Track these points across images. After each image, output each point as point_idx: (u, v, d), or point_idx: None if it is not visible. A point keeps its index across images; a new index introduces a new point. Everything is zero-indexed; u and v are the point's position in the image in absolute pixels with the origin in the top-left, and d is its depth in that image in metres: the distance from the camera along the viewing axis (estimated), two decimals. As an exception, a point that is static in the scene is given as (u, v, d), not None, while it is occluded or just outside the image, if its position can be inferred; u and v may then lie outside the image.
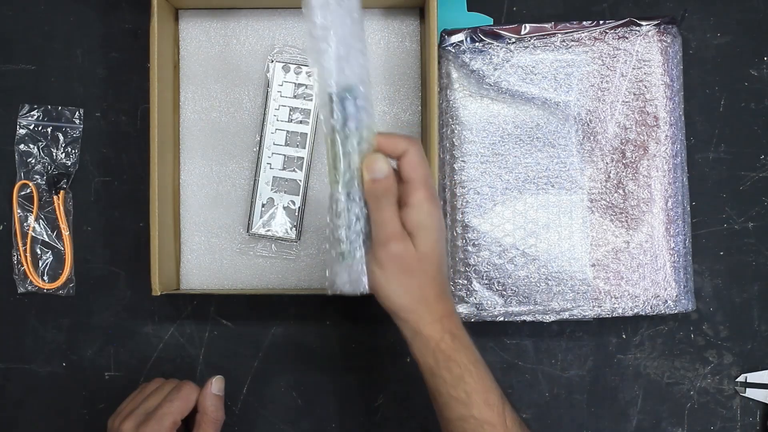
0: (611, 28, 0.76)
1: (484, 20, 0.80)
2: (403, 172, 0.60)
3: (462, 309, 0.76)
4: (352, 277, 0.62)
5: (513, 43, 0.76)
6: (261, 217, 0.78)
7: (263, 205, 0.78)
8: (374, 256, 0.60)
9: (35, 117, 0.81)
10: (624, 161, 0.77)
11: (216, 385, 0.71)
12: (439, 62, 0.76)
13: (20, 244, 0.80)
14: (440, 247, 0.62)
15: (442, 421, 0.64)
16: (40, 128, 0.80)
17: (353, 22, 0.59)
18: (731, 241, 0.80)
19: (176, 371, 0.79)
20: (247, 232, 0.78)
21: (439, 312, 0.62)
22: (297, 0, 0.77)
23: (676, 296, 0.76)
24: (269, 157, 0.78)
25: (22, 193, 0.80)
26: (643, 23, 0.76)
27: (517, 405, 0.80)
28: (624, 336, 0.80)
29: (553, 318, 0.76)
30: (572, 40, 0.76)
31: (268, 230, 0.78)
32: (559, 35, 0.76)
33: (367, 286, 0.61)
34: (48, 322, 0.80)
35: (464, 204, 0.76)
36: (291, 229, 0.78)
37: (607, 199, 0.77)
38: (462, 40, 0.76)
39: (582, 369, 0.80)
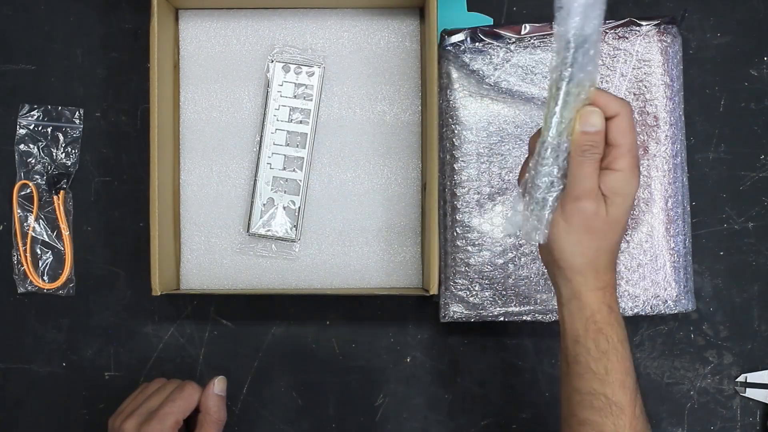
0: (611, 28, 0.76)
1: (484, 20, 0.80)
2: (611, 135, 0.59)
3: (462, 309, 0.76)
4: (532, 226, 0.61)
5: (513, 43, 0.76)
6: (261, 217, 0.78)
7: (263, 205, 0.78)
8: (563, 208, 0.60)
9: (35, 117, 0.81)
10: (624, 161, 0.76)
11: (218, 385, 0.71)
12: (439, 62, 0.76)
13: (20, 244, 0.80)
14: (625, 217, 0.61)
15: (568, 388, 0.63)
16: (40, 128, 0.80)
17: None
18: (731, 241, 0.80)
19: (176, 371, 0.79)
20: (247, 232, 0.78)
21: (605, 281, 0.61)
22: (297, 0, 0.77)
23: (676, 296, 0.76)
24: (269, 157, 0.78)
25: (22, 193, 0.80)
26: (643, 23, 0.76)
27: (517, 405, 0.80)
28: (624, 336, 0.80)
29: (552, 318, 0.76)
30: (572, 40, 0.76)
31: (268, 230, 0.78)
32: (559, 35, 0.76)
33: (543, 239, 0.61)
34: (48, 322, 0.80)
35: (464, 204, 0.76)
36: (291, 229, 0.78)
37: (607, 199, 0.77)
38: (462, 40, 0.76)
39: (582, 369, 0.80)
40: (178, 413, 0.68)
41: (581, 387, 0.62)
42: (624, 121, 0.59)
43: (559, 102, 0.58)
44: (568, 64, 0.57)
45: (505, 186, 0.77)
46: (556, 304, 0.76)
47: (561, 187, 0.60)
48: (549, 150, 0.59)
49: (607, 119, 0.59)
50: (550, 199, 0.60)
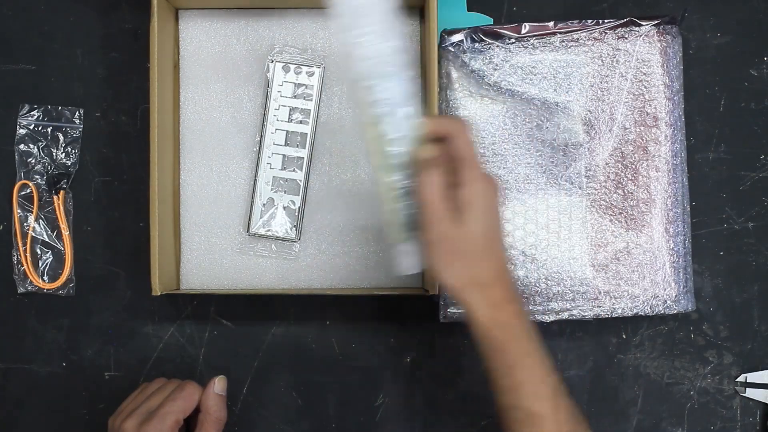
0: (611, 28, 0.76)
1: (484, 20, 0.80)
2: (452, 152, 0.60)
3: (462, 309, 0.76)
4: (405, 259, 0.64)
5: (513, 43, 0.76)
6: (261, 217, 0.78)
7: (263, 205, 0.78)
8: (423, 237, 0.60)
9: (35, 117, 0.81)
10: (624, 161, 0.77)
11: (219, 384, 0.71)
12: (439, 62, 0.76)
13: (20, 244, 0.80)
14: (491, 227, 0.61)
15: (496, 405, 0.63)
16: (40, 128, 0.80)
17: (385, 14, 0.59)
18: (731, 241, 0.80)
19: (176, 371, 0.79)
20: (247, 232, 0.78)
21: (493, 297, 0.61)
22: (297, 0, 0.77)
23: (676, 296, 0.76)
24: (269, 157, 0.78)
25: (22, 193, 0.80)
26: (643, 23, 0.76)
27: (517, 405, 0.80)
28: (624, 336, 0.80)
29: (552, 318, 0.76)
30: (572, 41, 0.76)
31: (268, 230, 0.78)
32: (559, 35, 0.76)
33: (417, 268, 0.63)
34: (48, 322, 0.80)
35: (464, 204, 0.76)
36: (291, 229, 0.78)
37: (607, 200, 0.77)
38: (462, 40, 0.76)
39: (582, 369, 0.80)
40: (178, 412, 0.68)
41: (502, 403, 0.62)
42: (459, 139, 0.61)
43: (386, 140, 0.61)
44: (382, 103, 0.60)
45: (504, 186, 0.77)
46: (555, 303, 0.76)
47: (415, 214, 0.62)
48: (386, 187, 0.62)
49: (446, 139, 0.60)
50: (408, 228, 0.63)
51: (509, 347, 0.61)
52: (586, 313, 0.76)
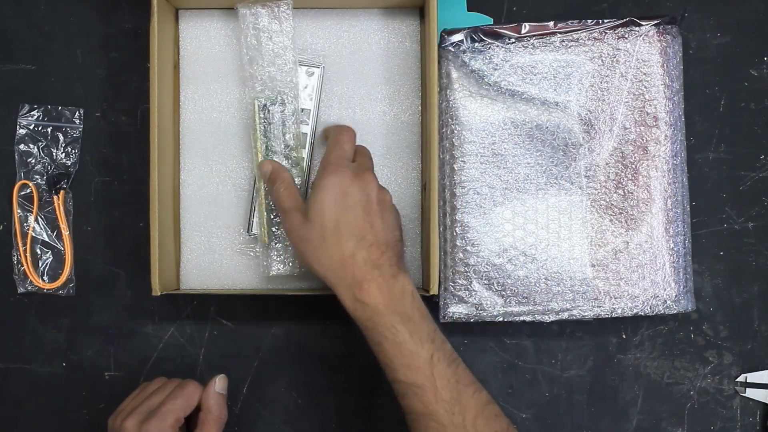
0: (611, 28, 0.76)
1: (484, 20, 0.80)
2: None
3: (462, 309, 0.76)
4: (275, 262, 0.76)
5: (513, 43, 0.76)
6: None
7: None
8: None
9: (35, 117, 0.81)
10: (624, 161, 0.77)
11: (219, 383, 0.72)
12: (439, 62, 0.76)
13: (20, 244, 0.80)
14: (331, 210, 0.67)
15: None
16: (40, 128, 0.80)
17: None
18: (731, 241, 0.80)
19: (176, 371, 0.79)
20: (248, 232, 0.78)
21: (347, 279, 0.66)
22: (297, 0, 0.77)
23: (676, 296, 0.76)
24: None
25: (22, 193, 0.80)
26: (643, 23, 0.76)
27: (517, 405, 0.80)
28: (624, 336, 0.80)
29: (552, 318, 0.76)
30: (572, 40, 0.76)
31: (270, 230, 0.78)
32: (559, 35, 0.76)
33: (288, 271, 0.76)
34: (48, 322, 0.80)
35: (464, 204, 0.76)
36: None
37: (607, 200, 0.77)
38: (462, 40, 0.76)
39: (582, 369, 0.80)
40: (179, 411, 0.68)
41: (388, 379, 0.66)
42: (330, 138, 0.73)
43: (261, 155, 0.76)
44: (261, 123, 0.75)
45: (504, 186, 0.77)
46: (555, 303, 0.76)
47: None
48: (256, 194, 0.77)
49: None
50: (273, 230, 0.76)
51: (372, 325, 0.65)
52: (586, 313, 0.76)
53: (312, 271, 0.69)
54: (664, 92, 0.76)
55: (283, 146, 0.76)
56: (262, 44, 0.75)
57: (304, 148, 0.78)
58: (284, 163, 0.76)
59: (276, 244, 0.76)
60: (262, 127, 0.75)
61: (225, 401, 0.72)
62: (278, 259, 0.76)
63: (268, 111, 0.75)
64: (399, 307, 0.65)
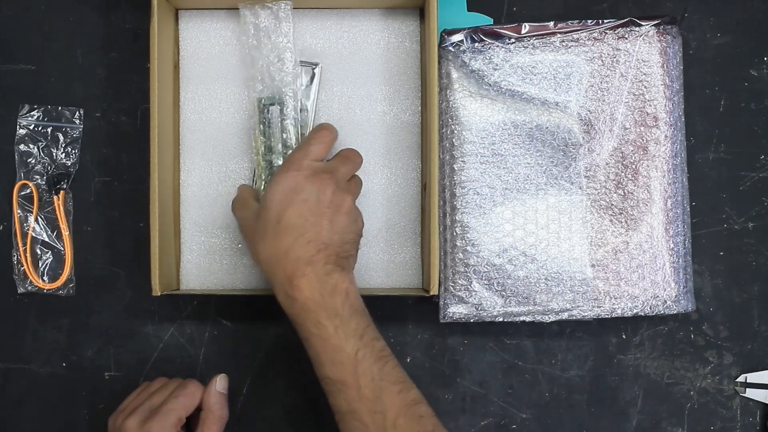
0: (611, 28, 0.76)
1: (484, 20, 0.80)
2: None
3: (461, 309, 0.76)
4: None
5: (513, 43, 0.76)
6: None
7: None
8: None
9: (35, 117, 0.81)
10: (624, 162, 0.77)
11: (220, 383, 0.72)
12: (439, 62, 0.76)
13: (20, 244, 0.80)
14: (276, 206, 0.67)
15: None
16: (40, 128, 0.80)
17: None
18: (731, 241, 0.80)
19: (176, 371, 0.79)
20: None
21: (280, 274, 0.66)
22: (297, 0, 0.77)
23: (676, 296, 0.76)
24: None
25: (22, 193, 0.80)
26: (643, 23, 0.76)
27: (517, 405, 0.80)
28: (624, 336, 0.80)
29: (552, 318, 0.76)
30: (572, 41, 0.76)
31: None
32: (559, 35, 0.76)
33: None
34: (48, 322, 0.80)
35: (464, 204, 0.76)
36: None
37: (607, 200, 0.77)
38: (462, 40, 0.76)
39: (582, 369, 0.80)
40: (180, 410, 0.68)
41: (318, 376, 0.66)
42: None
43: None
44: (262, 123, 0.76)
45: (504, 186, 0.77)
46: (555, 304, 0.76)
47: None
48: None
49: None
50: None
51: (301, 321, 0.65)
52: (586, 314, 0.76)
53: (255, 262, 0.70)
54: (664, 92, 0.76)
55: (281, 146, 0.76)
56: (262, 44, 0.75)
57: None
58: (281, 162, 0.76)
59: None
60: (262, 127, 0.75)
61: (226, 400, 0.72)
62: None
63: (268, 111, 0.75)
64: (328, 303, 0.65)
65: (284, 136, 0.76)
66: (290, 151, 0.75)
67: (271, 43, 0.74)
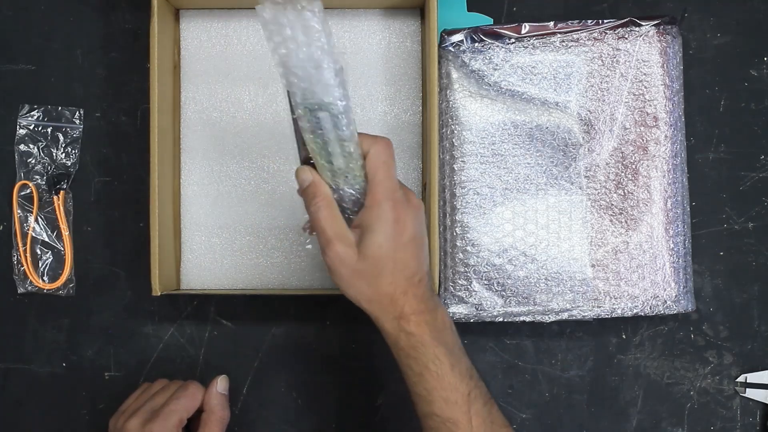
0: (611, 28, 0.76)
1: (484, 20, 0.80)
2: (366, 172, 0.62)
3: (462, 309, 0.76)
4: None
5: (513, 43, 0.76)
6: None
7: None
8: (324, 257, 0.62)
9: (35, 117, 0.81)
10: (623, 162, 0.77)
11: (221, 384, 0.72)
12: (439, 62, 0.76)
13: (20, 244, 0.80)
14: (389, 248, 0.62)
15: (416, 413, 0.65)
16: (40, 128, 0.80)
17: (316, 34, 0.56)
18: (731, 241, 0.80)
19: (176, 371, 0.79)
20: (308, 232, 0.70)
21: (395, 313, 0.62)
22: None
23: (676, 296, 0.76)
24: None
25: (22, 193, 0.80)
26: (643, 23, 0.76)
27: (517, 405, 0.80)
28: (624, 336, 0.80)
29: (552, 318, 0.76)
30: (572, 41, 0.76)
31: None
32: (559, 35, 0.76)
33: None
34: (48, 322, 0.80)
35: (464, 204, 0.76)
36: None
37: (607, 200, 0.77)
38: (462, 40, 0.76)
39: (582, 369, 0.80)
40: (182, 411, 0.68)
41: (418, 411, 0.64)
42: (373, 158, 0.61)
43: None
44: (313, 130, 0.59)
45: (504, 186, 0.77)
46: (555, 304, 0.76)
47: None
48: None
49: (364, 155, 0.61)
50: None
51: (416, 354, 0.62)
52: (586, 314, 0.76)
53: (351, 299, 0.64)
54: (664, 92, 0.76)
55: (341, 160, 0.62)
56: (293, 52, 0.60)
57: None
58: (330, 176, 0.63)
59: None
60: (312, 136, 0.60)
61: (227, 401, 0.72)
62: None
63: (317, 117, 0.59)
64: (442, 338, 0.63)
65: (344, 149, 0.61)
66: (351, 167, 0.62)
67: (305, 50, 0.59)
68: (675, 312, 0.76)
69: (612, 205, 0.77)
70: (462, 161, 0.77)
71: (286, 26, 0.54)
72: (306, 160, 0.64)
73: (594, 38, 0.76)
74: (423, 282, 0.64)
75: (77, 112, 0.81)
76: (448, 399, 0.62)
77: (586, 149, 0.77)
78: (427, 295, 0.64)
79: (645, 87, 0.76)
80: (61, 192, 0.80)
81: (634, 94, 0.76)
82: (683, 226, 0.77)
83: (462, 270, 0.76)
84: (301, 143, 0.62)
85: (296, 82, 0.57)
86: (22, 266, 0.80)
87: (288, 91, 0.58)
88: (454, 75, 0.77)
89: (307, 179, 0.62)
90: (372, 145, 0.61)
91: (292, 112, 0.60)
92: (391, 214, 0.62)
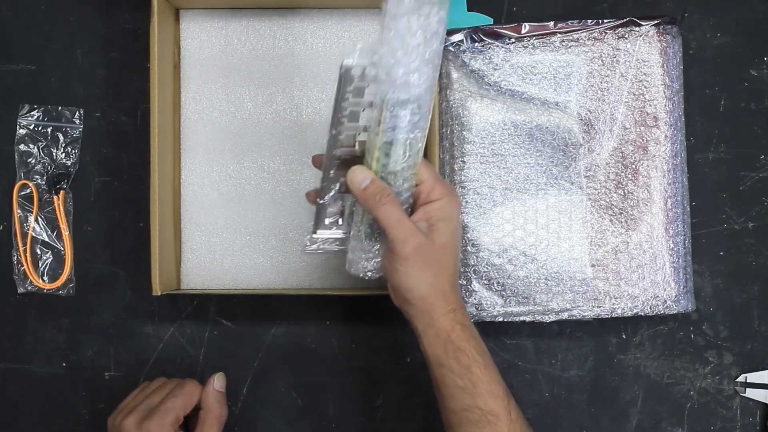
0: (611, 28, 0.76)
1: (484, 20, 0.80)
2: (425, 172, 0.64)
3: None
4: (365, 264, 0.66)
5: (513, 43, 0.76)
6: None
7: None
8: (396, 253, 0.62)
9: (35, 117, 0.81)
10: (623, 161, 0.77)
11: (218, 381, 0.72)
12: (439, 62, 0.76)
13: (20, 244, 0.80)
14: (457, 239, 0.65)
15: (445, 412, 0.64)
16: (40, 128, 0.80)
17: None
18: (731, 241, 0.80)
19: (176, 371, 0.79)
20: (313, 232, 0.69)
21: (453, 303, 0.64)
22: (298, 0, 0.77)
23: (676, 296, 0.76)
24: None
25: (22, 193, 0.80)
26: (643, 23, 0.76)
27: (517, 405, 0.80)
28: (624, 336, 0.80)
29: (552, 318, 0.76)
30: (572, 41, 0.76)
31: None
32: (559, 35, 0.76)
33: (373, 274, 0.66)
34: (48, 322, 0.80)
35: (464, 204, 0.76)
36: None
37: (607, 200, 0.77)
38: (462, 40, 0.76)
39: (582, 369, 0.80)
40: (178, 409, 0.68)
41: (455, 406, 0.63)
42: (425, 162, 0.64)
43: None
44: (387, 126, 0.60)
45: (504, 186, 0.77)
46: (555, 304, 0.76)
47: (369, 230, 0.65)
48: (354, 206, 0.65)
49: None
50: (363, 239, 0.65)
51: (467, 347, 0.63)
52: (586, 313, 0.76)
53: (413, 289, 0.63)
54: (664, 92, 0.76)
55: (404, 161, 0.62)
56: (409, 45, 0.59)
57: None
58: (380, 176, 0.63)
59: (371, 244, 0.66)
60: (384, 137, 0.60)
61: (224, 399, 0.72)
62: (366, 258, 0.66)
63: (396, 116, 0.59)
64: (477, 332, 0.65)
65: (412, 148, 0.61)
66: (405, 167, 0.62)
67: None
68: (675, 312, 0.76)
69: (612, 204, 0.77)
70: (462, 161, 0.77)
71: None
72: (338, 161, 0.64)
73: (594, 38, 0.76)
74: (458, 272, 0.67)
75: (77, 112, 0.81)
76: (492, 392, 0.63)
77: (586, 149, 0.77)
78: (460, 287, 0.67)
79: (645, 87, 0.76)
80: (61, 192, 0.80)
81: (634, 94, 0.76)
82: (683, 226, 0.77)
83: (462, 270, 0.76)
84: (343, 144, 0.63)
85: (388, 76, 0.58)
86: (22, 266, 0.80)
87: (346, 89, 0.60)
88: (454, 75, 0.77)
89: (367, 178, 0.62)
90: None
91: (340, 110, 0.61)
92: (457, 210, 0.65)
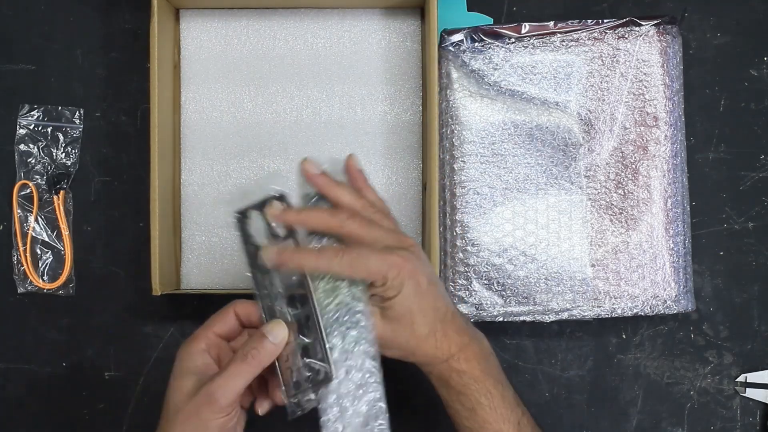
0: (611, 28, 0.76)
1: (484, 20, 0.80)
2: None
3: (462, 309, 0.76)
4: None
5: (513, 43, 0.76)
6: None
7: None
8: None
9: (35, 117, 0.81)
10: (623, 161, 0.77)
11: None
12: (439, 62, 0.76)
13: (20, 244, 0.80)
14: (412, 302, 0.61)
15: None
16: (40, 128, 0.80)
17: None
18: (731, 241, 0.80)
19: (176, 371, 0.79)
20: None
21: (445, 352, 0.63)
22: (298, 0, 0.77)
23: (676, 296, 0.76)
24: None
25: (22, 193, 0.80)
26: (643, 23, 0.76)
27: (517, 405, 0.80)
28: (624, 336, 0.80)
29: (552, 318, 0.76)
30: (572, 40, 0.76)
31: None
32: (559, 35, 0.76)
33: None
34: (48, 322, 0.80)
35: (464, 204, 0.76)
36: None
37: (607, 199, 0.77)
38: (462, 40, 0.76)
39: (582, 369, 0.80)
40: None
41: None
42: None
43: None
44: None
45: (504, 186, 0.77)
46: (555, 303, 0.76)
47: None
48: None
49: None
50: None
51: (468, 391, 0.63)
52: (586, 313, 0.76)
53: (402, 359, 0.64)
54: (664, 92, 0.76)
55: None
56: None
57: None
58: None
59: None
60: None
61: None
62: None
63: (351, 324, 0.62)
64: (490, 369, 0.64)
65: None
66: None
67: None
68: (675, 312, 0.76)
69: (612, 204, 0.77)
70: (462, 161, 0.77)
71: None
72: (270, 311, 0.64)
73: (594, 38, 0.76)
74: (455, 315, 0.64)
75: (77, 112, 0.81)
76: (500, 431, 0.63)
77: (586, 149, 0.77)
78: (463, 325, 0.64)
79: (645, 87, 0.76)
80: (61, 192, 0.80)
81: (634, 94, 0.76)
82: (683, 226, 0.77)
83: (462, 270, 0.76)
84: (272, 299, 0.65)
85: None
86: (22, 266, 0.80)
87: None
88: (454, 75, 0.77)
89: (279, 337, 0.63)
90: (339, 190, 0.64)
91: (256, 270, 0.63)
92: (407, 271, 0.60)
